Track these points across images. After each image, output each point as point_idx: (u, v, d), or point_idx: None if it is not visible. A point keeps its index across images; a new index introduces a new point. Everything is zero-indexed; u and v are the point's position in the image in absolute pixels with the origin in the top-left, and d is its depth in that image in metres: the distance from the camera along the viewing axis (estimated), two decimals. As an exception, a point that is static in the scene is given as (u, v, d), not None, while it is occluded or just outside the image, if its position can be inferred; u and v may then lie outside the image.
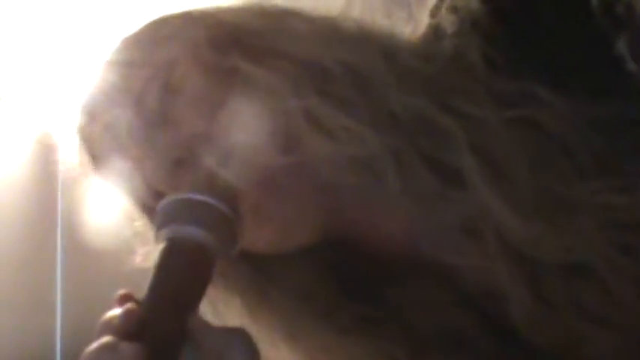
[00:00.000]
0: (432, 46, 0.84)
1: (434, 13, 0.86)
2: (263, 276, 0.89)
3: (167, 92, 0.83)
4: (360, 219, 0.85)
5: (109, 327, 0.71)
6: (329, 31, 0.84)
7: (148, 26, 0.89)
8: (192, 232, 0.75)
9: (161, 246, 0.75)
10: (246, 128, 0.79)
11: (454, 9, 0.84)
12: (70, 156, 0.89)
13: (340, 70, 0.80)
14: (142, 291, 0.75)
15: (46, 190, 2.14)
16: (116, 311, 0.72)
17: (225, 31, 0.84)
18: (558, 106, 0.77)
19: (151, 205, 0.83)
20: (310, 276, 0.90)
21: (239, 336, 0.74)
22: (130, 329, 0.70)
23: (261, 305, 0.90)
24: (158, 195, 0.82)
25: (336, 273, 0.90)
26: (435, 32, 0.85)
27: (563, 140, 0.77)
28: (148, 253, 0.88)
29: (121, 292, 0.74)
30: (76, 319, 2.08)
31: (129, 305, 0.72)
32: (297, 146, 0.79)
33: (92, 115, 0.86)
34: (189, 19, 0.87)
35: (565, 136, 0.77)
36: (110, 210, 0.90)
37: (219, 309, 0.88)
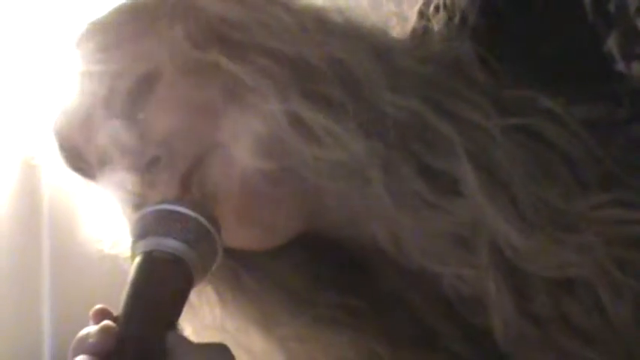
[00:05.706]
0: (426, 47, 0.82)
1: (422, 11, 0.84)
2: (237, 262, 0.86)
3: (141, 87, 0.79)
4: (342, 220, 0.82)
5: (84, 345, 0.66)
6: (315, 24, 0.80)
7: (117, 13, 0.85)
8: (171, 244, 0.72)
9: (137, 259, 0.72)
10: (226, 128, 0.77)
11: (444, 6, 0.81)
12: (56, 167, 0.86)
13: (327, 67, 0.77)
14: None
15: (32, 206, 2.12)
16: (91, 328, 0.67)
17: (205, 22, 0.80)
18: (560, 114, 0.75)
19: (129, 208, 0.81)
20: (287, 264, 0.87)
21: (218, 352, 0.71)
22: (107, 348, 0.66)
23: (234, 292, 0.88)
24: (135, 197, 0.79)
25: (313, 261, 0.88)
26: (424, 31, 0.83)
27: (566, 152, 0.75)
28: (116, 242, 0.86)
29: (97, 307, 0.70)
30: (63, 330, 2.06)
31: (105, 322, 0.67)
32: (280, 150, 0.76)
33: (64, 112, 0.83)
34: (164, 7, 0.82)
35: (568, 147, 0.75)
36: (96, 219, 0.88)
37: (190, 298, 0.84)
